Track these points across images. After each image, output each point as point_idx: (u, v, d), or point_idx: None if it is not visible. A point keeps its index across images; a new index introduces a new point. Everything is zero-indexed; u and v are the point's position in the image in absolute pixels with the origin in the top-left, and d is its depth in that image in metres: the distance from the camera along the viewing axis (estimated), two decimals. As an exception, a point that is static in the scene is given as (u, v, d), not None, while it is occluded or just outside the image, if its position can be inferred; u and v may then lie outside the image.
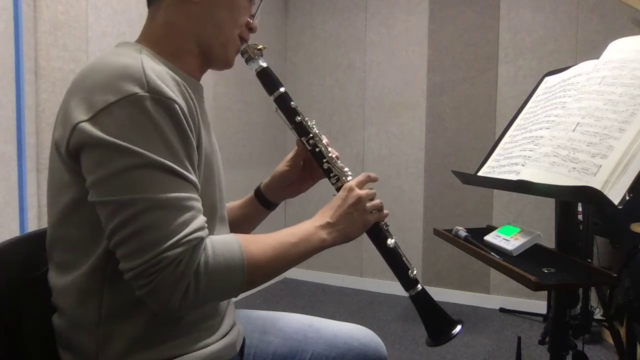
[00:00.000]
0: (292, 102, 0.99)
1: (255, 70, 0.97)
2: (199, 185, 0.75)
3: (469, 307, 3.16)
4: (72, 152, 0.71)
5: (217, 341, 0.85)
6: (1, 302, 0.80)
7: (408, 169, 3.38)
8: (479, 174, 1.21)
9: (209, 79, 2.94)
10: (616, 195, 0.80)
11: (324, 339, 1.02)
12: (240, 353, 0.94)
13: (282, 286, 3.56)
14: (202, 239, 0.71)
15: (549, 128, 1.06)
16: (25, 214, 1.83)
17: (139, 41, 0.85)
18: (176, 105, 0.71)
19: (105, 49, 2.04)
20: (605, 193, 0.80)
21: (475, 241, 1.10)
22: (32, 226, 1.87)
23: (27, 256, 0.88)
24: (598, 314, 2.57)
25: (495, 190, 3.07)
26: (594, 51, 1.14)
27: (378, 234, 0.95)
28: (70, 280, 0.77)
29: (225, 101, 3.12)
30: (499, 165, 1.16)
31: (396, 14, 3.39)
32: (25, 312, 0.83)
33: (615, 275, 0.89)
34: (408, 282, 0.94)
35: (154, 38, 0.84)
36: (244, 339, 0.98)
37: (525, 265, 0.92)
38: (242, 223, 1.09)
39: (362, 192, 0.92)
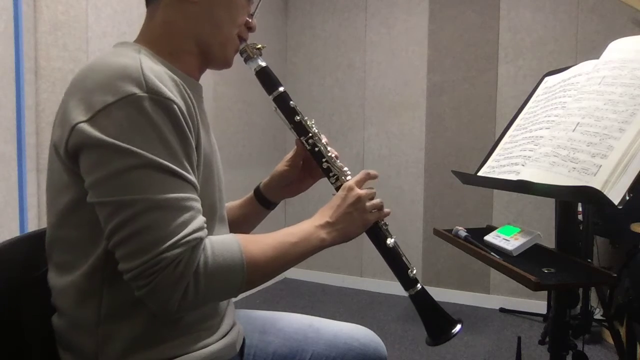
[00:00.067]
0: (291, 102, 0.99)
1: (255, 69, 0.97)
2: (198, 185, 0.75)
3: (469, 307, 3.16)
4: (70, 152, 0.71)
5: (217, 341, 0.85)
6: (1, 302, 0.80)
7: (408, 169, 3.38)
8: (479, 174, 1.21)
9: (209, 79, 2.94)
10: (616, 195, 0.80)
11: (324, 339, 1.02)
12: (240, 353, 0.94)
13: (282, 286, 3.56)
14: (201, 240, 0.71)
15: (549, 128, 1.06)
16: (25, 214, 1.83)
17: (137, 41, 0.85)
18: (175, 106, 0.71)
19: (105, 49, 2.03)
20: (605, 193, 0.80)
21: (475, 241, 1.10)
22: (32, 226, 1.87)
23: (27, 256, 0.88)
24: (598, 314, 2.57)
25: (495, 190, 3.07)
26: (594, 51, 1.14)
27: (377, 233, 0.95)
28: (69, 280, 0.77)
29: (225, 101, 3.12)
30: (499, 165, 1.16)
31: (396, 14, 3.39)
32: (25, 312, 0.83)
33: (615, 275, 0.89)
34: (408, 282, 0.94)
35: (152, 38, 0.84)
36: (244, 339, 0.98)
37: (525, 265, 0.92)
38: (241, 223, 1.09)
39: (362, 191, 0.92)
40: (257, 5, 0.93)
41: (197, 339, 0.82)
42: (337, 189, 0.95)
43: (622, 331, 1.88)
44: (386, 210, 0.96)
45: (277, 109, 0.99)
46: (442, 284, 3.27)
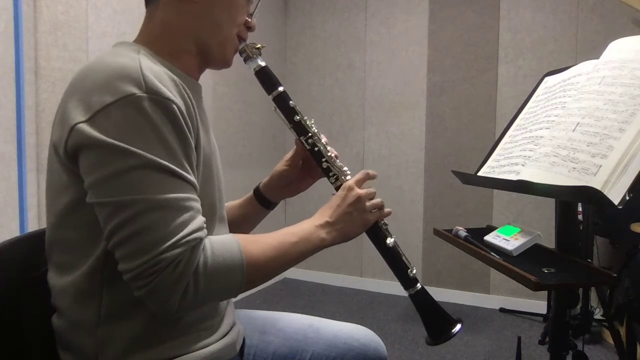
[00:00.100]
0: (290, 102, 0.99)
1: (254, 69, 0.97)
2: (197, 185, 0.75)
3: (469, 307, 3.16)
4: (70, 153, 0.71)
5: (216, 341, 0.85)
6: (1, 302, 0.80)
7: (408, 169, 3.38)
8: (479, 174, 1.21)
9: (209, 79, 2.94)
10: (616, 195, 0.79)
11: (324, 339, 1.01)
12: (240, 353, 0.94)
13: (282, 286, 3.56)
14: (201, 240, 0.71)
15: (549, 128, 1.06)
16: (25, 214, 1.83)
17: (136, 41, 0.85)
18: (174, 106, 0.71)
19: (105, 49, 2.04)
20: (605, 193, 0.80)
21: (475, 241, 1.10)
22: (32, 226, 1.87)
23: (27, 256, 0.88)
24: (598, 314, 2.57)
25: (495, 190, 3.07)
26: (594, 51, 1.14)
27: (377, 233, 0.94)
28: (69, 281, 0.77)
29: (225, 101, 3.12)
30: (499, 165, 1.16)
31: (396, 14, 3.39)
32: (25, 312, 0.83)
33: (615, 275, 0.89)
34: (407, 281, 0.94)
35: (151, 38, 0.84)
36: (244, 339, 0.98)
37: (525, 265, 0.92)
38: (241, 223, 1.09)
39: (362, 191, 0.92)
40: (257, 5, 0.93)
41: (197, 339, 0.82)
42: (337, 188, 0.95)
43: (622, 331, 1.88)
44: (387, 210, 0.96)
45: (277, 108, 0.99)
46: (442, 284, 3.27)
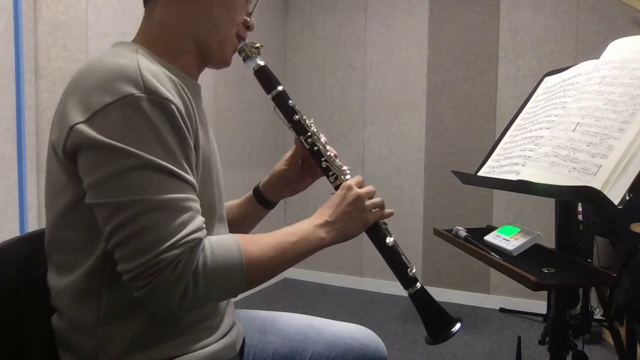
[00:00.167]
0: (290, 101, 0.98)
1: (253, 68, 0.97)
2: (196, 185, 0.75)
3: (469, 307, 3.16)
4: (69, 153, 0.71)
5: (216, 341, 0.85)
6: (1, 302, 0.80)
7: (408, 169, 3.38)
8: (479, 174, 1.21)
9: (209, 78, 2.94)
10: (616, 195, 0.80)
11: (324, 339, 1.01)
12: (240, 353, 0.94)
13: (282, 286, 3.56)
14: (200, 240, 0.71)
15: (549, 128, 1.06)
16: (25, 214, 1.83)
17: (135, 41, 0.85)
18: (173, 106, 0.71)
19: (105, 49, 2.03)
20: (605, 193, 0.80)
21: (475, 241, 1.10)
22: (32, 226, 1.87)
23: (27, 256, 0.88)
24: (598, 314, 2.57)
25: (495, 190, 3.07)
26: (594, 51, 1.14)
27: (377, 232, 0.94)
28: (68, 281, 0.77)
29: (225, 101, 3.12)
30: (499, 165, 1.16)
31: (396, 14, 3.39)
32: (25, 312, 0.83)
33: (615, 275, 0.89)
34: (407, 281, 0.94)
35: (150, 37, 0.84)
36: (243, 339, 0.98)
37: (525, 265, 0.92)
38: (241, 222, 1.09)
39: (361, 190, 0.92)
40: (256, 4, 0.92)
41: (197, 339, 0.82)
42: (337, 188, 0.95)
43: (622, 331, 1.88)
44: (389, 210, 0.95)
45: (276, 108, 0.99)
46: (442, 284, 3.27)
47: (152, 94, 0.70)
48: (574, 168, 0.90)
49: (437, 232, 1.27)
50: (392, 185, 3.41)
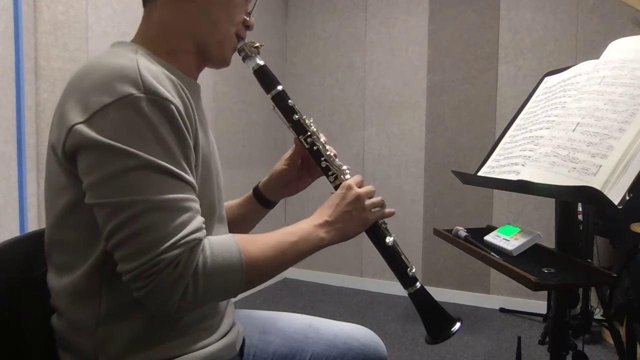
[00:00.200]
0: (289, 100, 0.98)
1: (253, 68, 0.96)
2: (196, 185, 0.75)
3: (469, 307, 3.16)
4: (68, 154, 0.71)
5: (216, 341, 0.85)
6: (1, 302, 0.80)
7: (408, 169, 3.38)
8: (479, 174, 1.21)
9: (209, 79, 2.94)
10: (616, 195, 0.80)
11: (324, 339, 1.01)
12: (240, 353, 0.94)
13: (282, 286, 3.56)
14: (200, 240, 0.71)
15: (549, 128, 1.06)
16: (25, 214, 1.83)
17: (134, 41, 0.85)
18: (172, 106, 0.71)
19: (105, 49, 2.03)
20: (605, 193, 0.80)
21: (475, 241, 1.10)
22: (32, 226, 1.87)
23: (27, 256, 0.88)
24: (598, 314, 2.57)
25: (495, 190, 3.07)
26: (594, 51, 1.14)
27: (377, 232, 0.94)
28: (68, 281, 0.77)
29: (225, 101, 3.12)
30: (499, 165, 1.16)
31: (396, 14, 3.39)
32: (25, 312, 0.83)
33: (615, 275, 0.89)
34: (407, 280, 0.94)
35: (149, 37, 0.84)
36: (243, 339, 0.98)
37: (525, 265, 0.92)
38: (240, 222, 1.09)
39: (361, 190, 0.91)
40: (255, 3, 0.92)
41: (197, 339, 0.82)
42: (336, 187, 0.95)
43: (622, 331, 1.88)
44: (390, 210, 0.95)
45: (276, 107, 0.99)
46: (442, 284, 3.27)
47: (152, 94, 0.69)
48: (574, 168, 0.90)
49: (437, 232, 1.27)
50: (392, 185, 3.41)
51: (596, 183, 0.83)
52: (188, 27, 0.84)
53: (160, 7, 0.84)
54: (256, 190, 1.10)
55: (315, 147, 0.98)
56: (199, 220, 0.72)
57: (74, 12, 2.04)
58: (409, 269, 0.94)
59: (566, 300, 1.04)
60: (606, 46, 1.05)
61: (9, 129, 1.81)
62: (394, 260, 0.94)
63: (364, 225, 0.92)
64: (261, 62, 0.96)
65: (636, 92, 0.89)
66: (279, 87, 0.97)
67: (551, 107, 1.12)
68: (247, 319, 1.04)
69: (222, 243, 0.75)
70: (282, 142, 3.67)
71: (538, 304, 2.94)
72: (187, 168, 0.73)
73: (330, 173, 0.97)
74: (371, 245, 0.95)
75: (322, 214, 0.89)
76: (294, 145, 1.05)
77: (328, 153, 0.98)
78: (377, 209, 0.93)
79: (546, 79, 1.25)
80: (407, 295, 0.95)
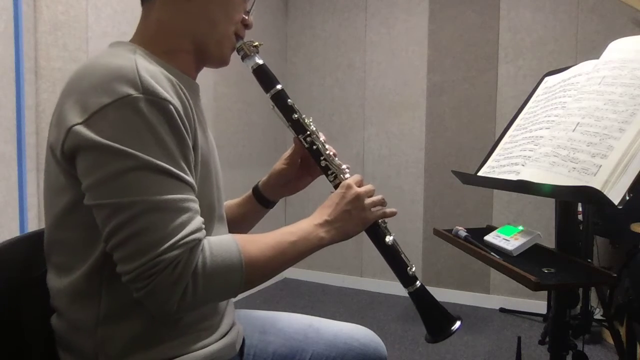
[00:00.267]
0: (289, 100, 0.98)
1: (252, 67, 0.96)
2: (195, 186, 0.75)
3: (469, 307, 3.16)
4: (67, 155, 0.71)
5: (216, 341, 0.85)
6: (1, 302, 0.80)
7: (408, 169, 3.38)
8: (479, 174, 1.21)
9: (209, 79, 2.94)
10: (616, 195, 0.79)
11: (324, 339, 1.01)
12: (240, 353, 0.94)
13: (282, 286, 3.56)
14: (199, 241, 0.71)
15: (549, 128, 1.06)
16: (25, 214, 1.83)
17: (133, 40, 0.85)
18: (171, 106, 0.71)
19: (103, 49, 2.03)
20: (605, 193, 0.80)
21: (475, 241, 1.10)
22: (32, 226, 1.87)
23: (27, 256, 0.87)
24: (598, 314, 2.57)
25: (495, 190, 3.07)
26: (594, 51, 1.14)
27: (376, 231, 0.94)
28: (68, 282, 0.77)
29: (225, 101, 3.12)
30: (499, 165, 1.16)
31: (396, 14, 3.39)
32: (25, 312, 0.83)
33: (615, 275, 0.89)
34: (407, 279, 0.94)
35: (147, 37, 0.84)
36: (243, 339, 0.98)
37: (525, 265, 0.92)
38: (240, 221, 1.09)
39: (361, 189, 0.91)
40: (253, 2, 0.92)
41: (197, 339, 0.82)
42: (336, 187, 0.95)
43: (622, 331, 1.88)
44: (391, 209, 0.95)
45: (275, 106, 0.98)
46: (442, 284, 3.27)
47: (150, 94, 0.69)
48: (574, 168, 0.90)
49: (437, 232, 1.27)
50: (392, 185, 3.41)
51: (596, 183, 0.83)
52: (186, 26, 0.84)
53: (158, 7, 0.84)
54: (256, 190, 1.10)
55: (314, 147, 0.98)
56: (198, 221, 0.72)
57: (74, 12, 2.04)
58: (409, 268, 0.94)
59: (566, 300, 1.04)
60: (606, 46, 1.05)
61: (9, 129, 1.81)
62: (394, 259, 0.94)
63: (363, 225, 0.92)
64: (260, 61, 0.96)
65: (636, 92, 0.89)
66: (278, 86, 0.97)
67: (551, 107, 1.12)
68: (247, 319, 1.04)
69: (221, 243, 0.74)
70: (282, 142, 3.67)
71: (538, 304, 2.94)
72: (186, 168, 0.73)
73: (329, 172, 0.97)
74: (371, 245, 0.95)
75: (321, 214, 0.89)
76: (293, 145, 1.05)
77: (327, 152, 0.98)
78: (377, 208, 0.93)
79: (546, 79, 1.25)
80: (407, 294, 0.95)
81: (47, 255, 0.82)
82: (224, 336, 0.87)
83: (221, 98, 3.08)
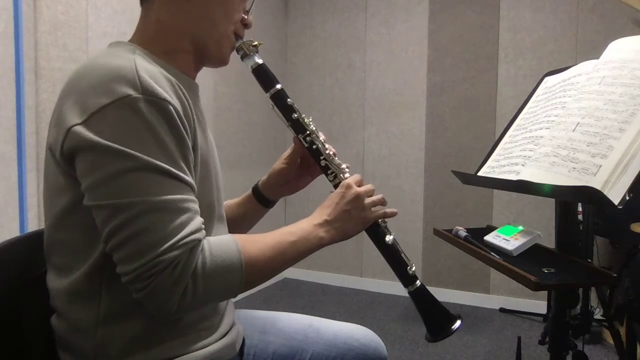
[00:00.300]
0: (288, 99, 0.97)
1: (251, 67, 0.96)
2: (195, 186, 0.75)
3: (469, 307, 3.16)
4: (66, 155, 0.71)
5: (216, 341, 0.85)
6: (1, 302, 0.80)
7: (408, 169, 3.38)
8: (479, 174, 1.21)
9: (209, 78, 2.94)
10: (616, 195, 0.80)
11: (324, 339, 1.01)
12: (240, 353, 0.94)
13: (282, 286, 3.56)
14: (199, 241, 0.71)
15: (549, 128, 1.06)
16: (25, 214, 1.83)
17: (132, 40, 0.85)
18: (170, 107, 0.71)
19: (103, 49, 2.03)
20: (605, 193, 0.80)
21: (475, 241, 1.10)
22: (32, 226, 1.87)
23: (27, 256, 0.87)
24: (598, 314, 2.57)
25: (495, 190, 3.07)
26: (594, 51, 1.14)
27: (376, 230, 0.94)
28: (67, 282, 0.77)
29: (225, 101, 3.12)
30: (499, 165, 1.16)
31: (396, 14, 3.39)
32: (25, 312, 0.83)
33: (615, 275, 0.89)
34: (407, 278, 0.94)
35: (146, 37, 0.84)
36: (243, 339, 0.98)
37: (525, 265, 0.92)
38: (240, 221, 1.09)
39: (360, 188, 0.91)
40: (253, 1, 0.92)
41: (197, 339, 0.82)
42: (336, 186, 0.95)
43: (622, 331, 1.88)
44: (392, 210, 0.95)
45: (274, 106, 0.98)
46: (442, 284, 3.27)
47: (149, 94, 0.69)
48: (574, 168, 0.90)
49: (437, 232, 1.27)
50: (392, 185, 3.41)
51: (596, 183, 0.83)
52: (186, 26, 0.84)
53: (157, 7, 0.83)
54: (255, 189, 1.10)
55: (314, 146, 0.98)
56: (198, 221, 0.72)
57: (74, 12, 2.04)
58: (409, 267, 0.94)
59: (566, 300, 1.04)
60: (606, 46, 1.05)
61: (9, 129, 1.81)
62: (394, 258, 0.94)
63: (363, 224, 0.92)
64: (260, 61, 0.96)
65: (636, 92, 0.89)
66: (278, 86, 0.97)
67: (551, 107, 1.12)
68: (247, 319, 1.04)
69: (221, 243, 0.74)
70: (282, 142, 3.67)
71: (538, 304, 2.94)
72: (185, 169, 0.73)
73: (329, 172, 0.97)
74: (371, 245, 0.95)
75: (321, 213, 0.89)
76: (293, 144, 1.05)
77: (327, 152, 0.98)
78: (377, 207, 0.93)
79: (546, 79, 1.25)
80: (407, 294, 0.95)
81: (47, 255, 0.82)
82: (224, 336, 0.87)
83: (221, 98, 3.08)
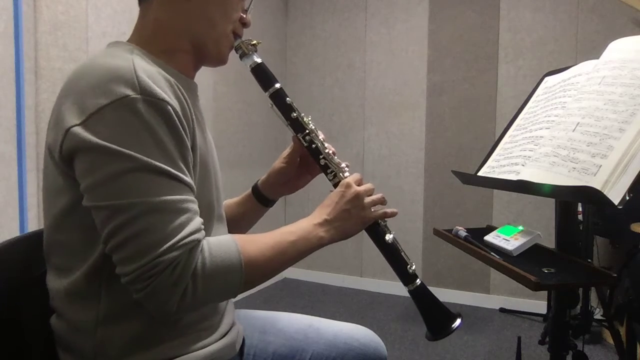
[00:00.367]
0: (287, 98, 0.97)
1: (250, 66, 0.96)
2: (194, 186, 0.75)
3: (469, 307, 3.16)
4: (65, 156, 0.71)
5: (216, 341, 0.85)
6: (1, 302, 0.80)
7: (408, 169, 3.38)
8: (479, 174, 1.21)
9: (209, 78, 2.94)
10: (616, 195, 0.79)
11: (324, 339, 1.01)
12: (240, 353, 0.94)
13: (282, 286, 3.56)
14: (198, 242, 0.71)
15: (549, 128, 1.06)
16: (25, 214, 1.83)
17: (130, 40, 0.85)
18: (169, 107, 0.71)
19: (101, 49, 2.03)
20: (605, 193, 0.80)
21: (475, 241, 1.10)
22: (32, 226, 1.87)
23: (27, 256, 0.87)
24: (598, 314, 2.57)
25: (495, 190, 3.07)
26: (594, 51, 1.14)
27: (376, 229, 0.94)
28: (67, 283, 0.77)
29: (225, 101, 3.12)
30: (499, 165, 1.16)
31: (396, 14, 3.39)
32: (25, 312, 0.83)
33: (615, 275, 0.89)
34: (407, 277, 0.94)
35: (145, 37, 0.84)
36: (243, 339, 0.98)
37: (525, 265, 0.92)
38: (239, 220, 1.09)
39: (360, 188, 0.91)
40: (251, 0, 0.92)
41: (197, 339, 0.82)
42: (335, 185, 0.95)
43: (622, 331, 1.88)
44: (392, 210, 0.95)
45: (273, 105, 0.98)
46: (442, 284, 3.27)
47: (148, 95, 0.69)
48: (574, 168, 0.90)
49: (437, 232, 1.27)
50: (392, 185, 3.41)
51: (596, 183, 0.83)
52: (184, 25, 0.84)
53: (155, 6, 0.83)
54: (255, 189, 1.10)
55: (313, 145, 0.98)
56: (197, 222, 0.72)
57: (74, 12, 2.04)
58: (409, 266, 0.94)
59: (566, 300, 1.04)
60: (606, 46, 1.05)
61: (9, 129, 1.81)
62: (394, 257, 0.94)
63: (363, 224, 0.91)
64: (258, 60, 0.96)
65: (636, 92, 0.89)
66: (277, 85, 0.97)
67: (551, 107, 1.12)
68: (247, 319, 1.04)
69: (220, 244, 0.74)
70: (282, 141, 3.67)
71: (538, 304, 2.94)
72: (184, 169, 0.73)
73: (329, 171, 0.97)
74: (371, 245, 0.95)
75: (321, 213, 0.89)
76: (292, 143, 1.05)
77: (327, 151, 0.98)
78: (377, 207, 0.93)
79: (546, 79, 1.25)
80: (407, 293, 0.95)
81: (47, 255, 0.81)
82: (224, 336, 0.87)
83: (221, 98, 3.08)
